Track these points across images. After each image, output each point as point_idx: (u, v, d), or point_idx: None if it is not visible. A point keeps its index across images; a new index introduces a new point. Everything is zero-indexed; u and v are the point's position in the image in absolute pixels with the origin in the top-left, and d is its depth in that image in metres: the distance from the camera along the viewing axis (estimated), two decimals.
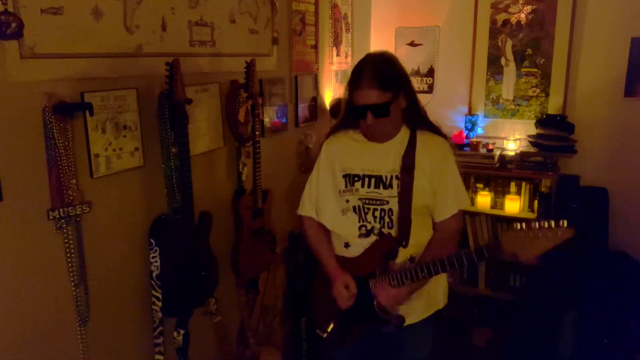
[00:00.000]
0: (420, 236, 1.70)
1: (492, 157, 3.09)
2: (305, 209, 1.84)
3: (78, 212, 1.55)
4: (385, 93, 1.56)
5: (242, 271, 2.27)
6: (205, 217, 1.95)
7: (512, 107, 3.27)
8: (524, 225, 1.34)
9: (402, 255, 1.66)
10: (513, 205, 3.07)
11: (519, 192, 3.11)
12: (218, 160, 2.22)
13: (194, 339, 2.01)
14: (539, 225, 1.32)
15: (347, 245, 1.74)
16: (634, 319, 2.61)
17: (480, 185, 3.20)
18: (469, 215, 3.18)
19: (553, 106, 3.15)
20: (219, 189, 2.23)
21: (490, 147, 3.14)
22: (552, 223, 1.31)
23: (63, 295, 1.57)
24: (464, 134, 3.28)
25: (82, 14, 1.54)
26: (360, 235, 1.69)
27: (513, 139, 3.22)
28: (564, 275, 2.79)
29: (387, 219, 1.66)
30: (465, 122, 3.31)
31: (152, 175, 1.84)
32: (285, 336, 2.84)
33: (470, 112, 3.37)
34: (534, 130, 3.12)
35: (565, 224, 1.31)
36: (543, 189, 3.03)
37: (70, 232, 1.55)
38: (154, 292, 1.84)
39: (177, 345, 1.95)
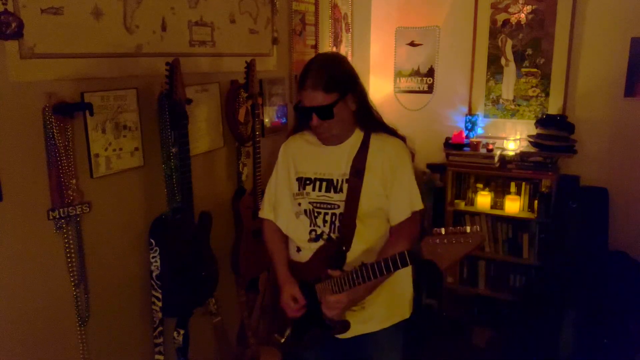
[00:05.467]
0: (372, 240, 1.65)
1: (492, 157, 3.09)
2: (265, 211, 1.80)
3: (78, 212, 1.55)
4: (330, 94, 1.52)
5: (242, 271, 2.27)
6: (205, 217, 1.95)
7: (512, 107, 3.27)
8: (442, 230, 1.33)
9: (351, 259, 1.61)
10: (513, 205, 3.07)
11: (519, 192, 3.11)
12: (218, 160, 2.22)
13: (194, 339, 2.01)
14: (454, 230, 1.32)
15: (298, 249, 1.71)
16: (633, 320, 2.61)
17: (480, 185, 3.19)
18: (469, 215, 3.18)
19: (553, 106, 3.15)
20: (219, 189, 2.23)
21: (490, 147, 3.14)
22: (468, 229, 1.31)
23: (63, 295, 1.57)
24: (464, 134, 3.28)
25: (82, 14, 1.54)
26: (310, 240, 1.66)
27: (513, 139, 3.22)
28: (564, 275, 2.79)
29: (337, 223, 1.63)
30: (465, 122, 3.31)
31: (152, 175, 1.84)
32: None
33: (470, 112, 3.37)
34: (534, 130, 3.12)
35: (477, 229, 1.31)
36: (543, 189, 3.03)
37: (70, 232, 1.55)
38: (154, 292, 1.84)
39: (177, 345, 1.95)
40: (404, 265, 1.42)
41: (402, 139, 1.72)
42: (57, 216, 1.50)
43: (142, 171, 1.80)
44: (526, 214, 3.08)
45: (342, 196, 1.62)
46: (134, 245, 1.81)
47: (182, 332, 1.94)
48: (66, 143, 1.50)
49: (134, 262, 1.82)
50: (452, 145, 3.20)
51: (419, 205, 1.66)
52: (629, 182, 3.01)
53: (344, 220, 1.61)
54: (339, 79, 1.56)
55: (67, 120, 1.50)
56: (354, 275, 1.50)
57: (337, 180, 1.63)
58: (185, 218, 1.83)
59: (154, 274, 1.82)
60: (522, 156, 3.05)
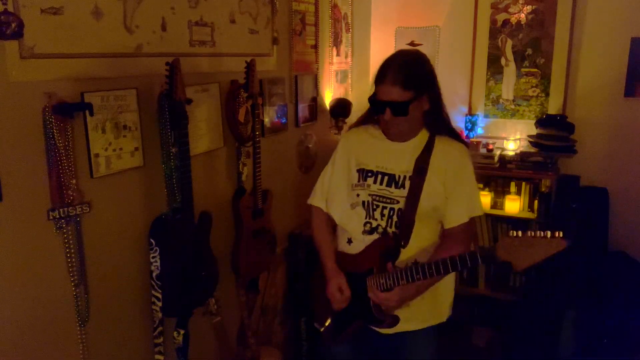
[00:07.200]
0: (426, 240, 1.68)
1: (492, 157, 3.09)
2: (316, 199, 1.85)
3: (78, 212, 1.55)
4: (407, 92, 1.55)
5: (242, 271, 2.27)
6: (205, 217, 1.95)
7: (512, 107, 3.27)
8: (519, 233, 1.31)
9: (405, 257, 1.63)
10: (513, 205, 3.07)
11: (519, 192, 3.11)
12: (218, 160, 2.22)
13: (194, 339, 2.01)
14: (534, 234, 1.29)
15: (350, 241, 1.74)
16: (634, 319, 2.61)
17: (480, 185, 3.19)
18: None
19: (553, 106, 3.15)
20: (219, 189, 2.23)
21: (490, 147, 3.14)
22: (548, 233, 1.28)
23: (63, 295, 1.57)
24: (464, 134, 3.28)
25: (82, 14, 1.54)
26: (364, 232, 1.69)
27: (513, 139, 3.22)
28: (564, 275, 2.79)
29: (395, 218, 1.65)
30: (465, 122, 3.31)
31: (152, 175, 1.84)
32: (285, 336, 2.84)
33: (470, 112, 3.37)
34: (534, 130, 3.12)
35: (561, 235, 1.28)
36: (543, 189, 3.03)
37: (70, 232, 1.55)
38: (154, 292, 1.84)
39: (177, 345, 1.95)
40: (475, 264, 1.42)
41: (465, 144, 1.74)
42: (57, 216, 1.50)
43: (142, 171, 1.80)
44: (526, 214, 3.08)
45: (403, 192, 1.64)
46: (134, 245, 1.81)
47: (182, 332, 1.94)
48: (66, 143, 1.50)
49: (134, 262, 1.81)
50: None
51: (479, 211, 1.68)
52: (629, 182, 3.01)
53: (403, 217, 1.63)
54: (418, 78, 1.58)
55: (67, 120, 1.50)
56: (414, 271, 1.50)
57: (399, 176, 1.65)
58: (185, 218, 1.83)
59: (154, 274, 1.82)
60: (522, 156, 3.05)
